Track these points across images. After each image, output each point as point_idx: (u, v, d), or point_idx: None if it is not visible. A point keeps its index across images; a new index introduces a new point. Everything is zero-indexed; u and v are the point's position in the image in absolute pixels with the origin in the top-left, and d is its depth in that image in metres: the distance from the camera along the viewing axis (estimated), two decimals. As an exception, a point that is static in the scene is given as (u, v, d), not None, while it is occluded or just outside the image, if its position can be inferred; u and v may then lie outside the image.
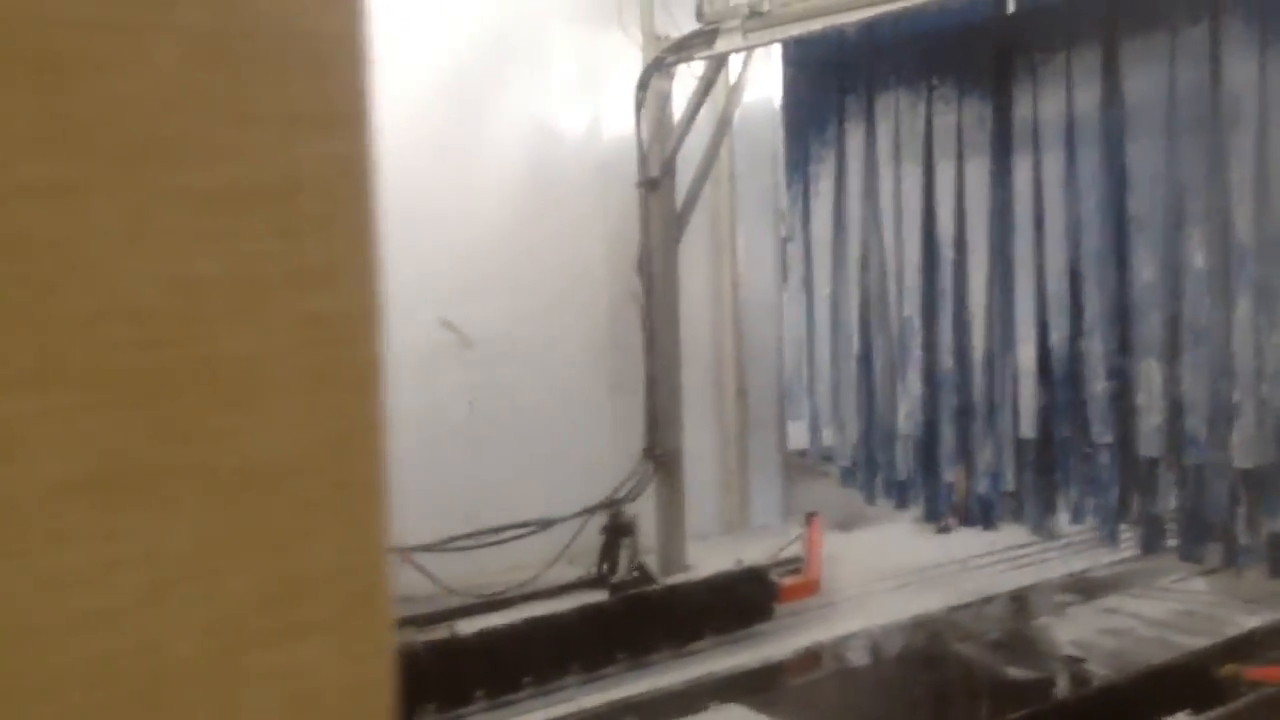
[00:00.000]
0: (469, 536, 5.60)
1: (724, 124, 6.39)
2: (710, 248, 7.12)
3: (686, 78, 6.10)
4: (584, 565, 5.83)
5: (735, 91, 6.41)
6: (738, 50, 5.66)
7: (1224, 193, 4.51)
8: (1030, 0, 5.12)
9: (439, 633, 5.03)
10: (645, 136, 6.09)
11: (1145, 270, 4.77)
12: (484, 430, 6.25)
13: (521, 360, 6.35)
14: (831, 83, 5.90)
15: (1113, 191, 4.86)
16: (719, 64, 5.93)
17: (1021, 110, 5.13)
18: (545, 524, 5.74)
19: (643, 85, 6.04)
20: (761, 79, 6.66)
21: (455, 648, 4.68)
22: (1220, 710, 3.89)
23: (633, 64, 6.22)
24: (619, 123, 6.33)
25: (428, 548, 5.43)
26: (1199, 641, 4.98)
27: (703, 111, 6.25)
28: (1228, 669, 4.31)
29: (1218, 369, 4.57)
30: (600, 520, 5.88)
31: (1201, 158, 4.56)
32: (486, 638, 4.72)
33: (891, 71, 5.61)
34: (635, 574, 5.63)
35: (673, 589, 5.40)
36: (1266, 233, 4.41)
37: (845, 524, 7.02)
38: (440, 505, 5.97)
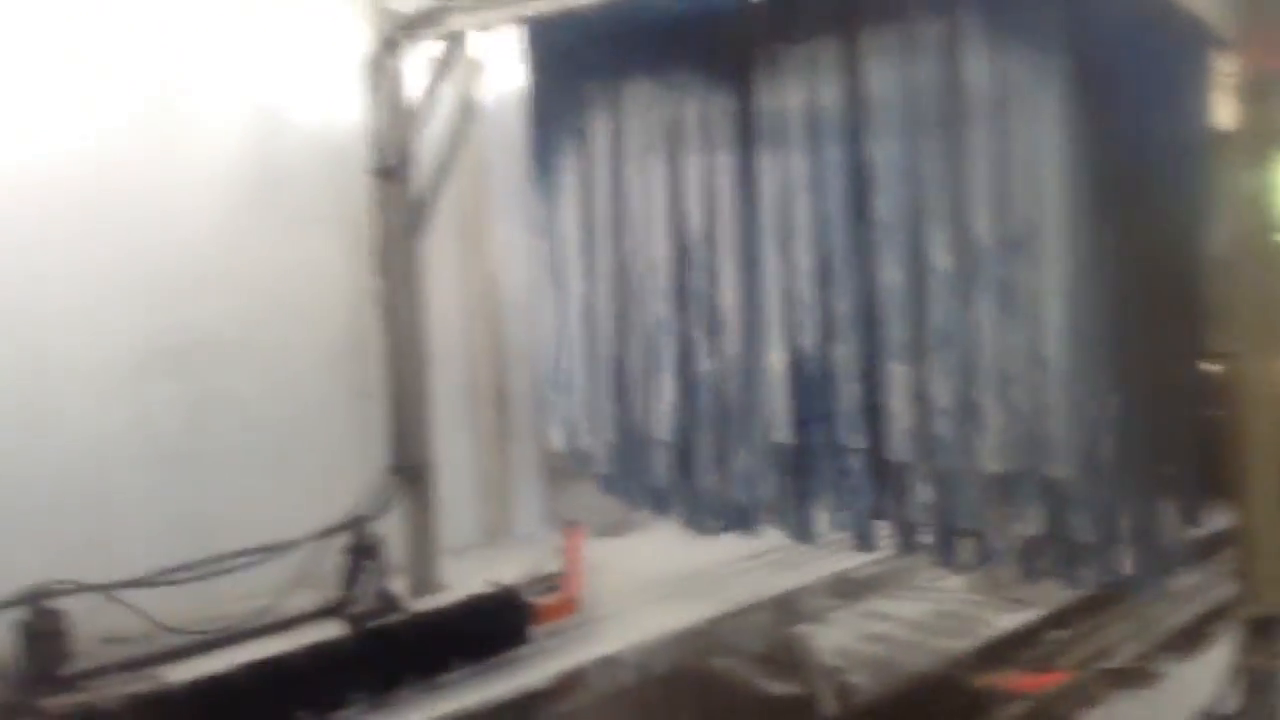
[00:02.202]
0: (191, 567, 4.98)
1: (467, 110, 5.93)
2: (461, 243, 6.68)
3: (425, 59, 5.62)
4: (327, 590, 5.32)
5: (477, 74, 5.96)
6: (471, 29, 5.23)
7: (964, 192, 4.43)
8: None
9: (141, 683, 4.42)
10: (379, 121, 5.58)
11: (891, 272, 4.66)
12: (206, 446, 5.61)
13: (247, 367, 5.73)
14: (575, 71, 5.56)
15: (856, 190, 4.72)
16: (457, 44, 5.48)
17: (765, 104, 4.93)
18: (279, 549, 5.19)
19: (375, 66, 5.52)
20: (514, 64, 6.24)
21: (160, 700, 4.11)
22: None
23: (362, 41, 5.67)
24: (351, 105, 5.78)
25: (139, 582, 4.80)
26: (957, 644, 4.98)
27: (447, 98, 5.79)
28: (983, 680, 4.28)
29: (964, 371, 4.51)
30: (343, 541, 5.38)
31: (942, 156, 4.47)
32: (197, 688, 4.17)
33: (635, 61, 5.31)
34: (378, 601, 5.16)
35: (417, 617, 4.98)
36: (1006, 233, 4.35)
37: (612, 529, 6.77)
38: (159, 531, 5.34)
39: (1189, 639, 4.59)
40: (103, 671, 4.55)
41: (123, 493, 5.31)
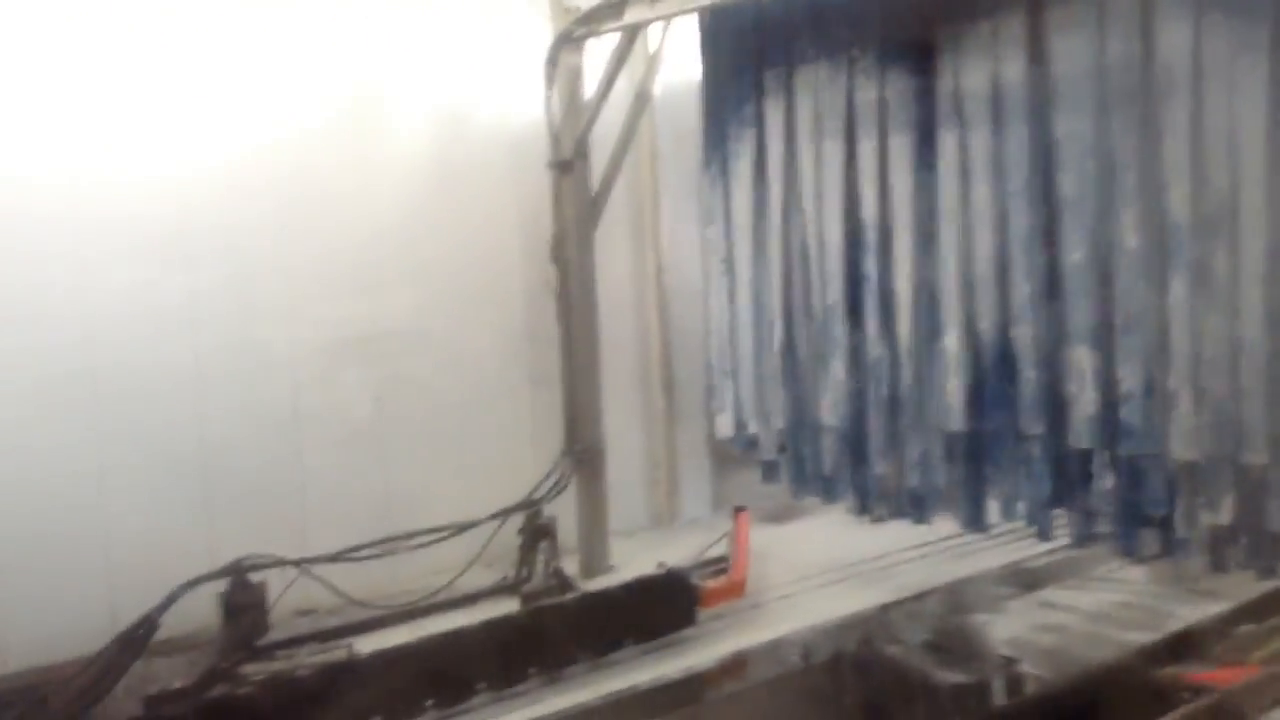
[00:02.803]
0: (377, 544, 5.26)
1: (641, 100, 6.05)
2: (632, 231, 6.79)
3: (602, 52, 5.75)
4: (503, 569, 5.53)
5: (653, 65, 6.07)
6: (648, 21, 5.33)
7: (1157, 169, 4.26)
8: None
9: (336, 653, 4.71)
10: (556, 115, 5.75)
11: (1075, 252, 4.52)
12: (393, 430, 5.90)
13: (431, 354, 5.99)
14: (749, 56, 5.58)
15: (1041, 169, 4.59)
16: (631, 36, 5.59)
17: (945, 84, 4.84)
18: (460, 528, 5.42)
19: (551, 60, 5.69)
20: (683, 53, 6.32)
21: (350, 670, 4.36)
22: (1155, 721, 3.66)
23: (542, 38, 5.86)
24: (529, 101, 5.97)
25: (333, 558, 5.10)
26: (1136, 636, 4.80)
27: (620, 88, 5.90)
28: (1165, 673, 4.12)
29: (1152, 355, 4.34)
30: (519, 522, 5.57)
31: (1133, 133, 4.30)
32: (383, 658, 4.40)
33: (811, 44, 5.30)
34: (551, 580, 5.32)
35: (588, 596, 5.10)
36: (1201, 211, 4.16)
37: (778, 516, 6.77)
38: (348, 510, 5.65)
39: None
40: (297, 642, 4.85)
41: (317, 475, 5.64)
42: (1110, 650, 4.62)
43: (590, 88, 5.75)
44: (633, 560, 5.80)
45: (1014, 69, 4.62)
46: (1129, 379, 4.40)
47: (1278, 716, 4.14)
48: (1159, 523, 4.50)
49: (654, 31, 5.95)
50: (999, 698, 4.50)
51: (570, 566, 5.70)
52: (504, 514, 5.51)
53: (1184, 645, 4.59)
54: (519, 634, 4.63)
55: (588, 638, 4.72)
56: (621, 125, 5.96)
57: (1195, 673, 4.24)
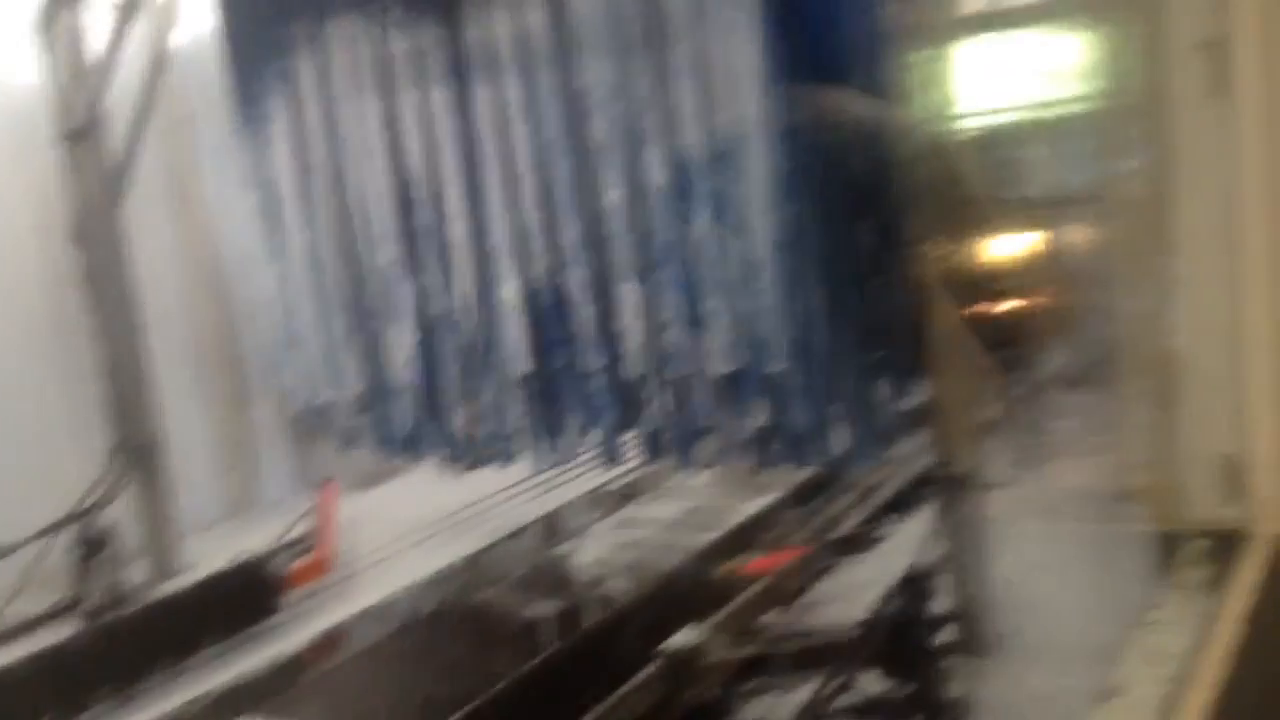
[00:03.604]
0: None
1: (159, 60, 5.59)
2: (170, 202, 6.31)
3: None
4: (62, 589, 5.01)
5: (167, 21, 5.61)
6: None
7: (672, 109, 4.56)
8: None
9: None
10: (62, 81, 5.17)
11: (612, 193, 4.76)
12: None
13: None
14: (273, 10, 5.31)
15: (572, 115, 4.78)
16: (136, -10, 5.13)
17: (475, 34, 4.88)
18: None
19: (46, 21, 5.10)
20: (206, 5, 5.89)
21: None
22: (718, 616, 4.04)
23: (32, -2, 5.22)
24: (31, 68, 5.32)
25: None
26: (703, 537, 5.25)
27: (137, 49, 5.43)
28: (724, 568, 4.54)
29: (687, 283, 4.69)
30: (69, 534, 5.06)
31: (648, 75, 4.58)
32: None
33: (333, -4, 5.14)
34: (114, 592, 4.91)
35: (156, 604, 4.77)
36: (714, 147, 4.52)
37: (369, 481, 6.67)
38: None
39: (904, 502, 5.02)
40: None
41: None
42: (680, 555, 5.03)
43: (99, 49, 5.22)
44: (209, 555, 5.47)
45: (536, 18, 4.74)
46: (669, 306, 4.74)
47: (821, 587, 4.71)
48: (710, 432, 4.92)
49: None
50: (588, 618, 4.75)
51: (139, 573, 5.29)
52: (50, 530, 4.99)
53: (739, 539, 5.09)
54: (79, 657, 4.25)
55: (160, 647, 4.42)
56: (141, 88, 5.48)
57: (750, 562, 4.71)
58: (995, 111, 5.97)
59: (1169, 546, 3.04)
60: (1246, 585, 2.79)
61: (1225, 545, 2.98)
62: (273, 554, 5.08)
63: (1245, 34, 2.90)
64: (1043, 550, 3.58)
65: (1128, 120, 3.57)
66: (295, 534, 5.38)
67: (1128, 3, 3.47)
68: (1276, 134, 2.89)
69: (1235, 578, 2.83)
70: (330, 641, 4.69)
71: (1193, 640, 2.61)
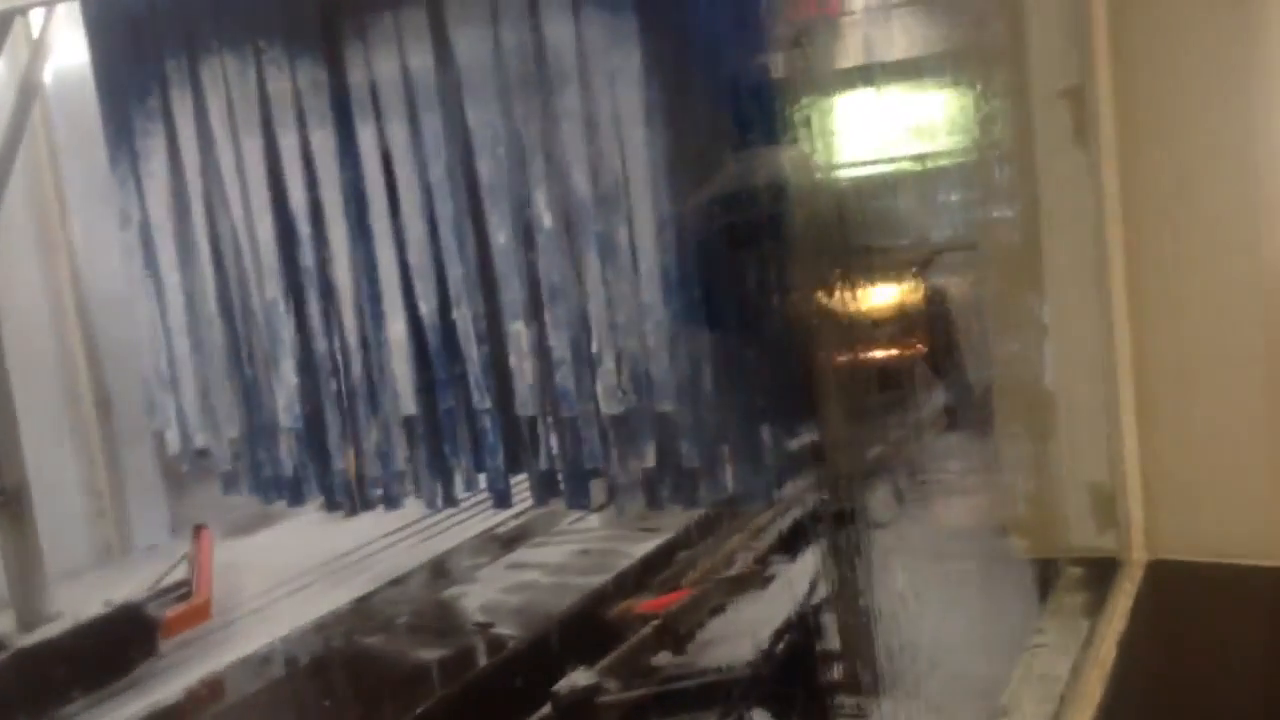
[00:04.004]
0: None
1: (28, 92, 5.39)
2: (38, 239, 6.08)
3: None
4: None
5: (39, 52, 5.43)
6: (13, 9, 4.75)
7: (560, 152, 4.60)
8: (348, -46, 4.82)
9: None
10: (-83, 113, 4.95)
11: (500, 234, 4.76)
12: None
13: None
14: (147, 46, 5.17)
15: (460, 156, 4.77)
16: (6, 20, 4.95)
17: (356, 74, 4.85)
18: None
19: (-98, 50, 4.88)
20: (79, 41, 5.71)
21: None
22: (610, 657, 4.02)
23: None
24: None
25: None
26: (594, 580, 5.23)
27: (1, 83, 5.24)
28: (618, 609, 4.53)
29: (577, 323, 4.71)
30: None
31: (536, 118, 4.61)
32: None
33: (213, 34, 5.04)
34: (-26, 644, 4.64)
35: (21, 654, 4.52)
36: (600, 189, 4.57)
37: (248, 526, 6.47)
38: None
39: (793, 542, 5.10)
40: None
41: None
42: (571, 598, 5.00)
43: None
44: (81, 603, 5.22)
45: (420, 60, 4.74)
46: (559, 347, 4.74)
47: (713, 626, 4.74)
48: (601, 473, 4.92)
49: (37, 16, 5.33)
50: (477, 663, 4.68)
51: (5, 622, 5.01)
52: (-95, 582, 4.70)
53: (631, 581, 5.10)
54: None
55: (26, 700, 4.19)
56: (7, 121, 5.28)
57: (641, 603, 4.71)
58: (874, 161, 6.17)
59: (1048, 574, 3.16)
60: (1122, 609, 2.91)
61: (1101, 571, 3.11)
62: (147, 600, 4.87)
63: (1102, 81, 3.08)
64: (928, 585, 3.67)
65: (997, 168, 3.75)
66: (170, 580, 5.18)
67: (995, 54, 3.65)
68: (1133, 177, 3.07)
69: (1111, 602, 2.95)
70: (208, 691, 4.51)
71: (1074, 662, 2.71)
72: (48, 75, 5.63)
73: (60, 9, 5.28)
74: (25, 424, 5.29)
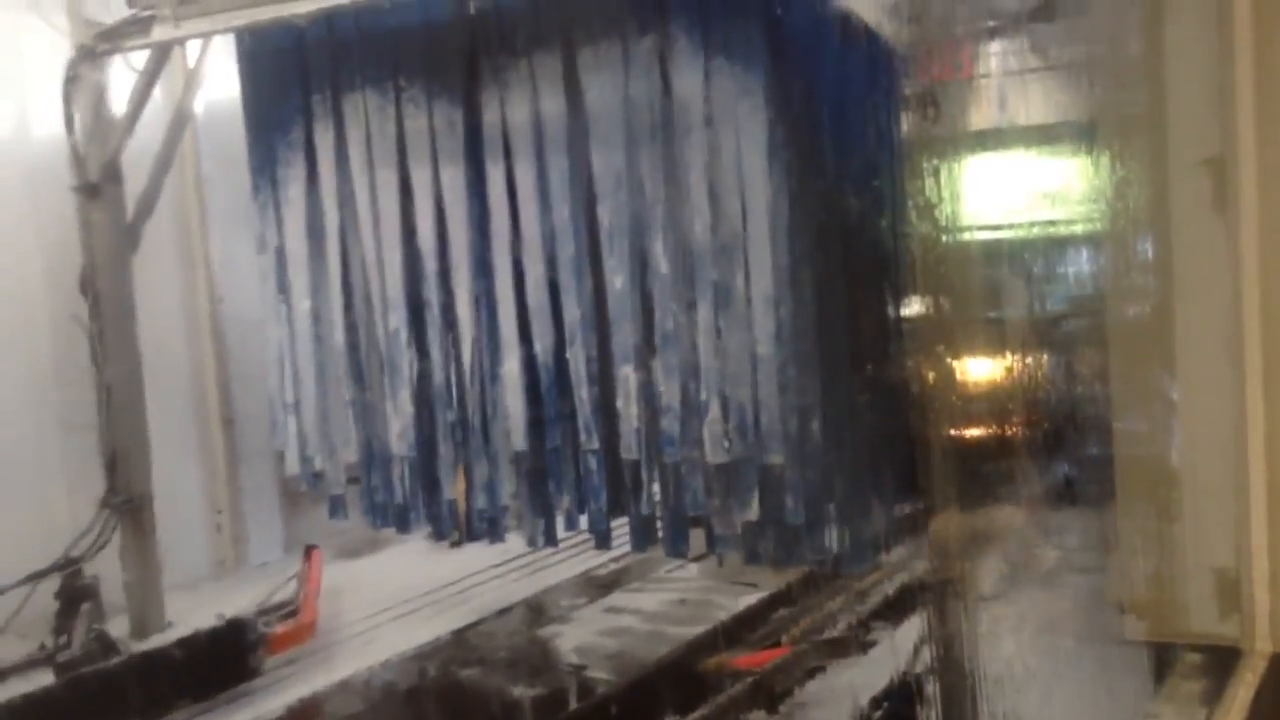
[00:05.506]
0: None
1: (180, 121, 5.71)
2: (181, 260, 6.38)
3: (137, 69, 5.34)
4: (41, 638, 4.94)
5: (192, 84, 5.74)
6: (174, 41, 5.03)
7: (680, 200, 4.64)
8: (490, 2, 4.97)
9: None
10: (80, 135, 5.26)
11: (617, 278, 4.82)
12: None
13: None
14: (294, 81, 5.42)
15: (581, 199, 4.85)
16: (162, 54, 5.25)
17: (490, 116, 4.99)
18: (-21, 595, 4.77)
19: (72, 77, 5.20)
20: (229, 71, 6.02)
21: None
22: (702, 710, 3.97)
23: (63, 55, 5.33)
24: (51, 121, 5.41)
25: None
26: (690, 631, 5.18)
27: (157, 109, 5.54)
28: (712, 662, 4.48)
29: (685, 370, 4.71)
30: (56, 585, 5.01)
31: (658, 165, 4.66)
32: None
33: (357, 71, 5.25)
34: (94, 645, 4.83)
35: (135, 659, 4.69)
36: (719, 238, 4.59)
37: (356, 550, 6.62)
38: None
39: (896, 607, 4.97)
40: None
41: None
42: (666, 646, 4.96)
43: (120, 107, 5.32)
44: (193, 614, 5.40)
45: (552, 104, 4.85)
46: (667, 393, 4.75)
47: (810, 688, 4.64)
48: (701, 522, 4.89)
49: (193, 50, 5.64)
50: (569, 705, 4.67)
51: (120, 627, 5.21)
52: (36, 577, 4.93)
53: (727, 634, 5.03)
54: (52, 710, 4.16)
55: (137, 704, 4.33)
56: (160, 148, 5.58)
57: (737, 658, 4.64)
58: (1000, 226, 6.06)
59: (1165, 659, 3.01)
60: (1241, 701, 2.76)
61: (1221, 660, 2.95)
62: (256, 617, 5.01)
63: (1245, 150, 2.97)
64: (1036, 662, 3.53)
65: (1130, 237, 3.63)
66: (279, 598, 5.32)
67: (1133, 121, 3.55)
68: (1273, 249, 2.95)
69: (1230, 692, 2.80)
70: (308, 710, 4.60)
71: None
72: (199, 104, 5.95)
73: (216, 41, 5.58)
74: (154, 435, 5.53)
